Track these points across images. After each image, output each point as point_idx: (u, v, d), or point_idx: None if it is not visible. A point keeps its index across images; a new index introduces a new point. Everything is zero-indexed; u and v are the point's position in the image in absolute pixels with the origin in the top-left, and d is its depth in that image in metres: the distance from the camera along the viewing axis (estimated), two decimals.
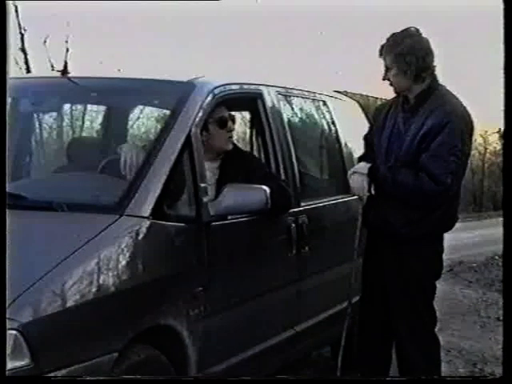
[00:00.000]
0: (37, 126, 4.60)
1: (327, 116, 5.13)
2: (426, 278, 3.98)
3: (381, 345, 4.07)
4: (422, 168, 3.76)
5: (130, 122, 4.55)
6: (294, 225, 4.18)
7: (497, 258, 10.72)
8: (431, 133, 3.77)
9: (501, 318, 6.22)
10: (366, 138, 4.19)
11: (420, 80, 3.86)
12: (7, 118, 2.71)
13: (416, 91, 3.89)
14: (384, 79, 3.91)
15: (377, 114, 4.15)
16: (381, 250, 3.97)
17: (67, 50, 14.56)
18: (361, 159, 4.14)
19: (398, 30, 3.91)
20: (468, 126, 3.88)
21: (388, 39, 3.90)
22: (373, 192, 3.92)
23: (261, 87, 4.31)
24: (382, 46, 3.89)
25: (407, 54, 3.82)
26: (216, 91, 3.83)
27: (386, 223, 3.91)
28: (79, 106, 4.80)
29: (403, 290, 3.91)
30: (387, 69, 3.88)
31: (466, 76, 39.68)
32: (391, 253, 3.92)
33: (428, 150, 3.77)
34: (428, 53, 3.87)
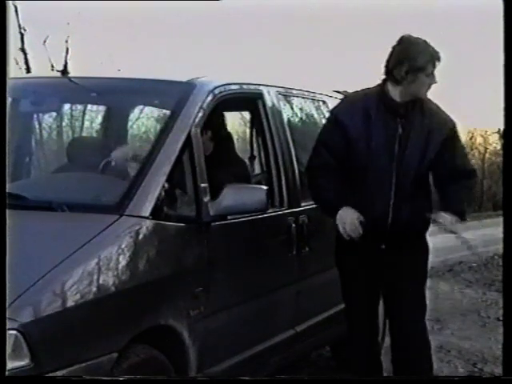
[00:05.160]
0: (37, 126, 4.60)
1: (327, 116, 5.12)
2: (426, 273, 4.05)
3: (370, 347, 4.06)
4: (454, 168, 3.87)
5: (130, 122, 4.54)
6: (294, 225, 4.19)
7: (497, 257, 10.70)
8: (448, 137, 3.85)
9: (501, 318, 6.21)
10: (333, 145, 3.87)
11: None
12: (7, 118, 2.71)
13: None
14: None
15: (347, 120, 3.84)
16: (377, 250, 3.90)
17: (67, 50, 14.59)
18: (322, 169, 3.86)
19: (412, 35, 3.78)
20: None
21: (428, 46, 3.75)
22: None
23: (261, 87, 4.31)
24: (433, 55, 3.73)
25: None
26: (216, 91, 3.83)
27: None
28: (79, 106, 4.79)
29: (410, 286, 3.90)
30: (429, 74, 3.75)
31: (465, 76, 39.69)
32: (395, 252, 3.87)
33: (453, 152, 3.88)
34: None
